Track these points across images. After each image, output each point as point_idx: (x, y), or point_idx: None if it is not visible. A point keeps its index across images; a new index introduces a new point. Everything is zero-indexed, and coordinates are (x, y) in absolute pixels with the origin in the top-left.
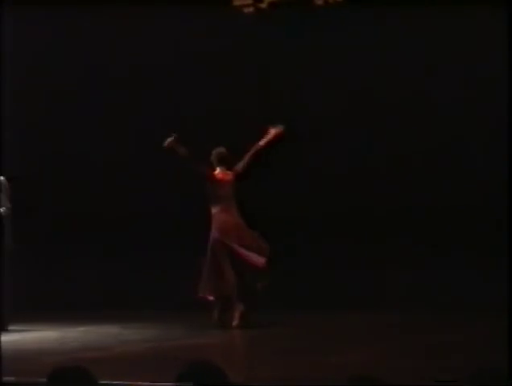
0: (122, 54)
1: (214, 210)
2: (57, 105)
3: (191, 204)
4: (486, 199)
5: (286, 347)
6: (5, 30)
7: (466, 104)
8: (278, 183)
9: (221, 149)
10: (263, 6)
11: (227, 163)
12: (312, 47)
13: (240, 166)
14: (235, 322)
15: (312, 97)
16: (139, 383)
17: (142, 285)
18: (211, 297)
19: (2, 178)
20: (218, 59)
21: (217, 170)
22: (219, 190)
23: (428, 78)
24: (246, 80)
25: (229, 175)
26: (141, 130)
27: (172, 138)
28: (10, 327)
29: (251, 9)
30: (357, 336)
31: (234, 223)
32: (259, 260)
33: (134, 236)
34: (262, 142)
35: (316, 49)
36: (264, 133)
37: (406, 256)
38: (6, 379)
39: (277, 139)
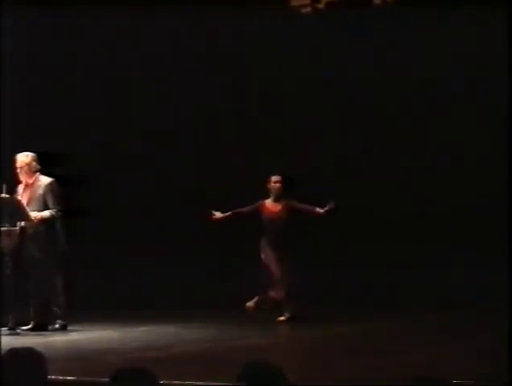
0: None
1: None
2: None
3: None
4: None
5: (345, 347)
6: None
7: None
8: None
9: (277, 178)
10: (320, 6)
11: (280, 192)
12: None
13: (292, 204)
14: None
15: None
16: (197, 383)
17: (202, 285)
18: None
19: (51, 179)
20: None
21: (269, 200)
22: (270, 218)
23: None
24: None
25: (279, 206)
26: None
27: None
28: (70, 327)
29: (308, 9)
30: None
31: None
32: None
33: (175, 237)
34: (318, 211)
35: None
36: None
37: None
38: (66, 378)
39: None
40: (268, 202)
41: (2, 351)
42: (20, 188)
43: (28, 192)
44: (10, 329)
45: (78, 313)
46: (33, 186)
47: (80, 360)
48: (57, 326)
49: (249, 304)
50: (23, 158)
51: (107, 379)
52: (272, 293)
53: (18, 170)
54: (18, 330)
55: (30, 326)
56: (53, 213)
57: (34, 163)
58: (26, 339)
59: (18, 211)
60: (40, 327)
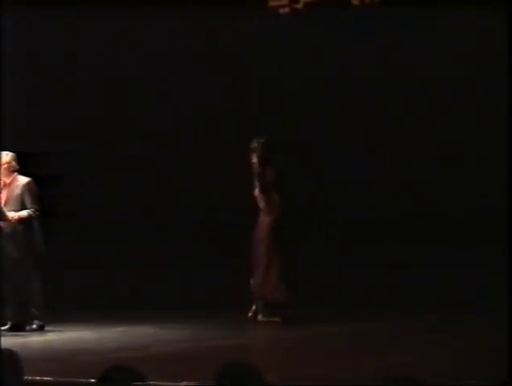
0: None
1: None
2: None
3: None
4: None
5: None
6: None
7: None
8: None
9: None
10: (299, 6)
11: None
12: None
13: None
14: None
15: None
16: (175, 383)
17: (178, 285)
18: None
19: (29, 179)
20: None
21: None
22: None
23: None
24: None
25: None
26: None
27: None
28: (47, 328)
29: (287, 9)
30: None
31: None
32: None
33: (175, 237)
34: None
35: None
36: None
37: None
38: (43, 379)
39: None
40: None
41: None
42: None
43: (6, 192)
44: None
45: (56, 313)
46: (10, 185)
47: (57, 361)
48: (34, 326)
49: (250, 314)
50: (4, 157)
51: (84, 380)
52: (272, 296)
53: None
54: None
55: (7, 327)
56: (31, 213)
57: (13, 163)
58: (2, 340)
59: None
60: (17, 328)
